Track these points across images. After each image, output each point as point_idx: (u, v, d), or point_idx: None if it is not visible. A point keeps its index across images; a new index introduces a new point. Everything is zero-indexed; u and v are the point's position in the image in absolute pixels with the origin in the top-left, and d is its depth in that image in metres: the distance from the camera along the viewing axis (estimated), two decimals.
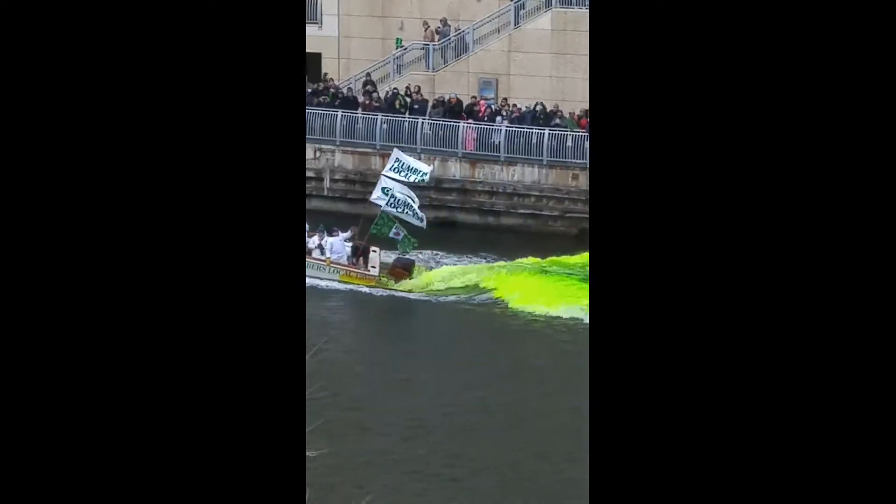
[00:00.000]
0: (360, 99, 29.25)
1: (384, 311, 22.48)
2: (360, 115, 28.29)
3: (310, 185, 26.71)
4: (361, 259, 24.46)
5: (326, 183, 27.39)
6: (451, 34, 30.47)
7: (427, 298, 23.36)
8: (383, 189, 23.93)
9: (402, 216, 24.36)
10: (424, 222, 24.97)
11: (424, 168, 25.19)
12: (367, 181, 26.88)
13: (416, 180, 24.55)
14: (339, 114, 28.28)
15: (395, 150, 25.84)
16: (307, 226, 21.27)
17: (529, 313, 23.43)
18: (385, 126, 27.85)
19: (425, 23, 31.46)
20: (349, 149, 28.06)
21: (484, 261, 26.15)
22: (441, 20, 30.69)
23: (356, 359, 19.98)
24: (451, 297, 23.45)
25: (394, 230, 24.48)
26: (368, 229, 24.50)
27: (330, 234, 24.23)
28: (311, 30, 32.24)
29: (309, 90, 29.36)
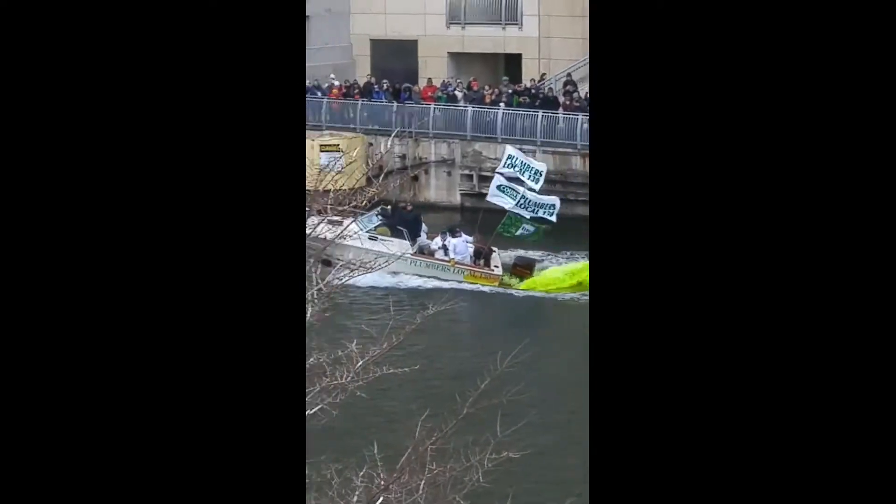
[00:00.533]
0: (561, 99, 29.57)
1: (514, 309, 22.27)
2: (560, 115, 28.50)
3: None
4: (483, 260, 24.29)
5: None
6: None
7: (552, 296, 22.99)
8: (498, 187, 23.85)
9: (528, 213, 24.06)
10: (555, 215, 24.85)
11: (539, 166, 25.11)
12: (568, 181, 27.16)
13: (530, 177, 24.18)
14: (540, 114, 28.36)
15: (507, 146, 26.04)
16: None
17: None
18: (586, 126, 27.60)
19: None
20: (549, 149, 28.12)
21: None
22: None
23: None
24: (577, 294, 22.46)
25: (522, 228, 24.24)
26: (494, 230, 24.62)
27: (453, 236, 24.20)
28: (511, 31, 33.17)
29: (510, 90, 30.33)
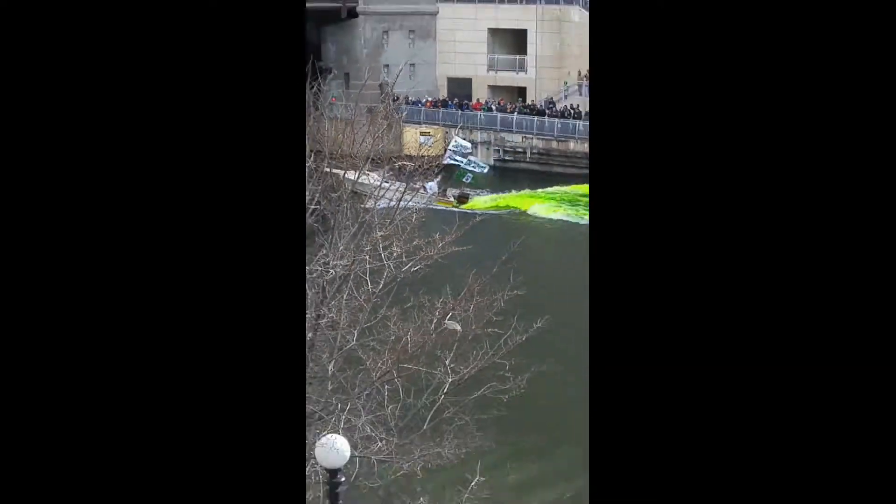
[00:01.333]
0: (545, 111, 47.40)
1: (456, 220, 24.00)
2: (546, 119, 45.46)
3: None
4: (444, 193, 40.26)
5: None
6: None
7: (478, 213, 33.03)
8: (451, 156, 42.00)
9: (470, 168, 42.24)
10: (487, 170, 43.12)
11: (466, 144, 43.61)
12: (537, 153, 45.54)
13: (460, 149, 42.84)
14: (535, 119, 45.88)
15: (453, 133, 45.08)
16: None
17: (533, 217, 39.83)
18: (559, 123, 44.43)
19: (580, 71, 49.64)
20: (537, 135, 45.25)
21: (515, 192, 42.67)
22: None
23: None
24: (493, 212, 37.48)
25: (466, 177, 42.24)
26: (452, 177, 41.19)
27: (430, 181, 37.20)
28: (521, 75, 51.31)
29: (520, 105, 48.36)
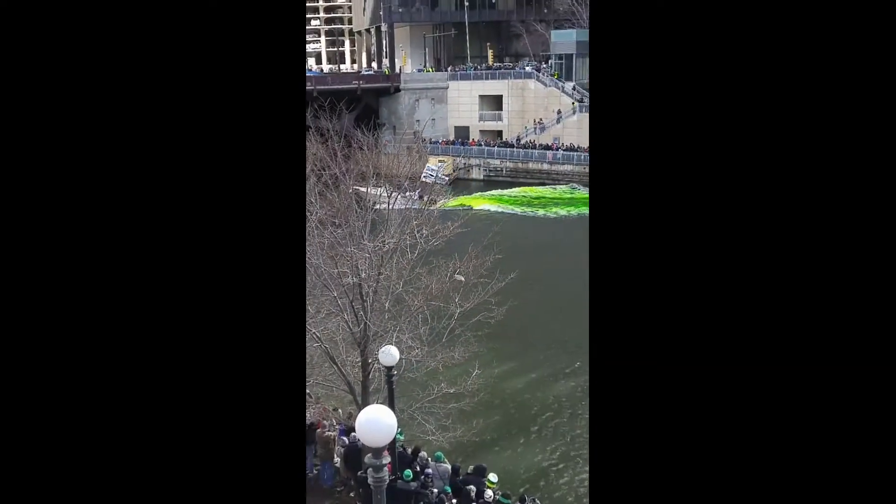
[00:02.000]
0: (514, 144, 59.97)
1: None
2: (516, 150, 59.80)
3: None
4: (421, 197, 30.08)
5: None
6: None
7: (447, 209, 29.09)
8: (426, 175, 41.38)
9: (439, 180, 42.64)
10: (447, 182, 44.93)
11: (434, 167, 47.49)
12: (507, 171, 57.75)
13: (431, 170, 45.17)
14: (507, 149, 60.30)
15: (430, 159, 47.47)
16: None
17: (471, 209, 43.00)
18: (522, 153, 56.02)
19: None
20: (506, 160, 60.31)
21: (466, 195, 47.03)
22: None
23: None
24: (451, 208, 34.19)
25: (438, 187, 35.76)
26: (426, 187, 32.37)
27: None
28: (498, 122, 61.75)
29: (499, 142, 57.72)
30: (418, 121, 62.33)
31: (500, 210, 49.18)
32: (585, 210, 43.76)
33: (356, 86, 61.42)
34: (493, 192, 53.07)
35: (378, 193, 17.62)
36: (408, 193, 19.03)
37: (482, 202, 50.88)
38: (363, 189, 17.20)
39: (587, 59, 54.06)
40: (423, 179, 47.35)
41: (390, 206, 16.36)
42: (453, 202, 49.41)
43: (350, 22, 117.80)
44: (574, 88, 57.71)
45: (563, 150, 55.17)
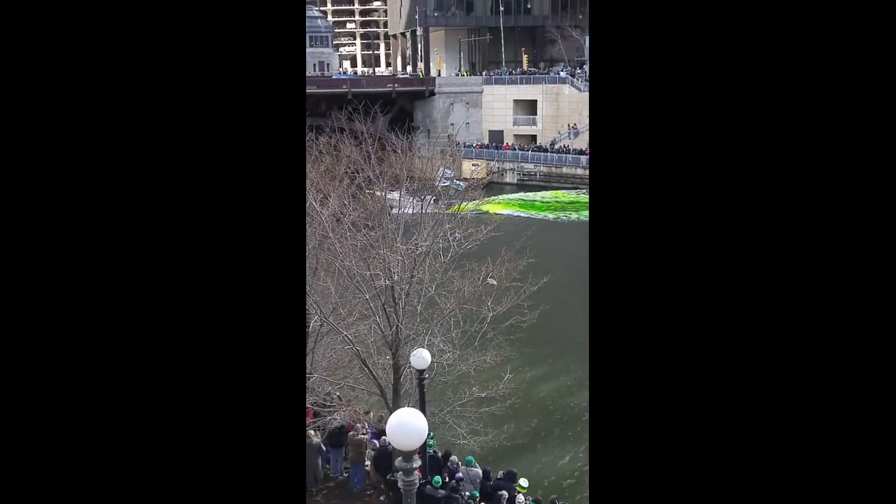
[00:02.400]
0: (548, 149, 59.98)
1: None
2: (550, 154, 59.51)
3: None
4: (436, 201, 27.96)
5: None
6: None
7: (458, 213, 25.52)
8: (442, 182, 34.08)
9: (454, 186, 36.89)
10: (462, 186, 38.12)
11: (450, 172, 42.01)
12: (539, 175, 57.32)
13: (447, 175, 38.42)
14: (541, 154, 61.51)
15: (443, 169, 38.95)
16: None
17: (495, 214, 38.38)
18: (557, 157, 58.72)
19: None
20: (540, 164, 59.90)
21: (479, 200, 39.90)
22: None
23: None
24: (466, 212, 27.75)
25: (451, 192, 29.52)
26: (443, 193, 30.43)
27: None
28: (533, 127, 61.68)
29: (533, 146, 57.42)
30: (452, 124, 61.62)
31: (509, 213, 49.42)
32: None
33: (391, 89, 61.12)
34: (522, 195, 54.28)
35: (397, 198, 17.44)
36: (426, 197, 18.74)
37: (503, 207, 51.09)
38: (379, 193, 17.06)
39: None
40: (438, 186, 52.07)
41: (400, 211, 16.48)
42: (470, 205, 50.19)
43: (385, 25, 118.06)
44: None
45: None
